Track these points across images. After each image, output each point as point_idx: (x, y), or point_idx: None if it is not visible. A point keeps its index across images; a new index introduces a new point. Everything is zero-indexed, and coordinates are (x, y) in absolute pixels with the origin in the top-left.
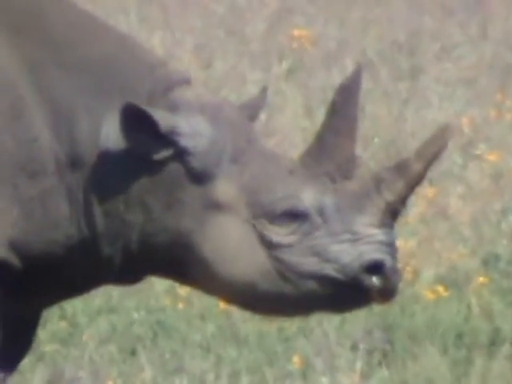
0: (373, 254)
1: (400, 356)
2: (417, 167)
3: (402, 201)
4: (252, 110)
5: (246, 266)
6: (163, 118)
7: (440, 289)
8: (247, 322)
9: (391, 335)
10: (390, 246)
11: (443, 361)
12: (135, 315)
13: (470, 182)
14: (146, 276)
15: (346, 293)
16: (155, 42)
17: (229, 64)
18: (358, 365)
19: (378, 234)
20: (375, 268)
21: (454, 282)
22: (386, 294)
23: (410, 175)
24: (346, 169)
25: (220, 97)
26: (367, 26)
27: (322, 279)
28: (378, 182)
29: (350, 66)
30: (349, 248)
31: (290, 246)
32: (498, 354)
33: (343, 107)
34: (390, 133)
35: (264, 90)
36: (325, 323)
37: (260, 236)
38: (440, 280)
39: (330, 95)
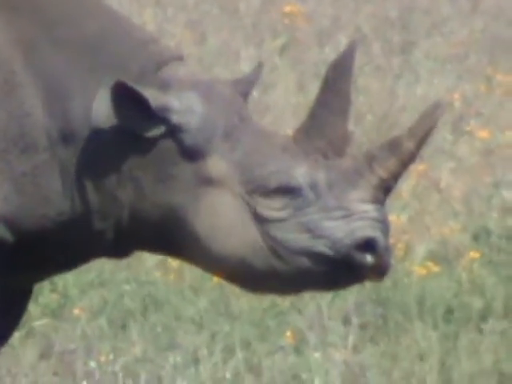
0: (365, 230)
1: (392, 330)
2: (409, 145)
3: (395, 178)
4: (245, 86)
5: (237, 242)
6: (154, 96)
7: (430, 264)
8: (240, 296)
9: (383, 310)
10: (383, 223)
11: (433, 335)
12: (126, 288)
13: (460, 158)
14: (138, 250)
15: (338, 270)
16: (147, 19)
17: (222, 40)
18: (351, 339)
19: (371, 211)
20: (368, 245)
21: (444, 257)
22: (379, 271)
23: (403, 153)
24: (338, 145)
25: (212, 74)
26: (360, 3)
27: (314, 256)
28: (370, 160)
29: (343, 42)
30: (341, 224)
31: (281, 220)
32: (487, 329)
33: (336, 83)
34: (381, 107)
35: (259, 66)
36: (317, 298)
37: (252, 211)
38: (431, 255)
39: (323, 71)
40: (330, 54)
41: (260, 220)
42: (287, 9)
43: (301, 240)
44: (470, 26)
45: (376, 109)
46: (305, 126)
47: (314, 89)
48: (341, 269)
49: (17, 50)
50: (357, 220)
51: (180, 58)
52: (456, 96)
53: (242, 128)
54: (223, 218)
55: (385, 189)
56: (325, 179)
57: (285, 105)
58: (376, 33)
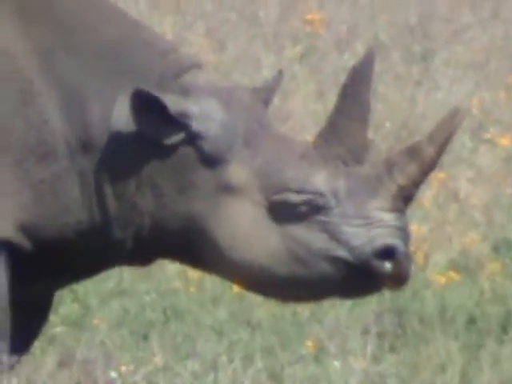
0: (385, 238)
1: (411, 340)
2: (429, 151)
3: (415, 185)
4: (266, 93)
5: (258, 250)
6: (173, 102)
7: (451, 273)
8: (260, 306)
9: (402, 319)
10: (403, 231)
11: (454, 345)
12: (147, 299)
13: (480, 166)
14: (158, 259)
15: (358, 277)
16: (166, 27)
17: (241, 48)
18: (369, 349)
19: (391, 219)
20: (387, 253)
21: (465, 266)
22: (398, 279)
23: (423, 159)
24: (358, 153)
25: (232, 81)
26: (379, 10)
27: (333, 260)
28: (390, 166)
29: (361, 50)
30: (361, 231)
31: (301, 218)
32: (509, 339)
33: (355, 91)
34: (401, 115)
35: (279, 74)
36: (337, 307)
37: (272, 214)
38: (451, 265)
39: (341, 79)
40: (349, 61)
41: (280, 220)
42: (308, 16)
43: (320, 241)
44: (490, 33)
45: (395, 116)
46: (324, 133)
47: (333, 96)
48: (360, 276)
49: (34, 58)
50: (376, 228)
51: (200, 66)
52: (475, 103)
53: (262, 135)
54: (243, 227)
55: (405, 196)
56: (344, 187)
57: (304, 112)
58: (395, 40)
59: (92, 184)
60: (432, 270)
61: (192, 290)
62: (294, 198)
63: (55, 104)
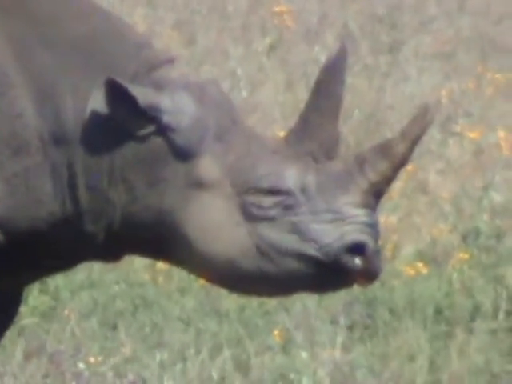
0: (355, 234)
1: (380, 330)
2: (401, 148)
3: (386, 182)
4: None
5: (227, 244)
6: (144, 94)
7: (420, 264)
8: (228, 296)
9: (371, 310)
10: (373, 227)
11: (423, 335)
12: (116, 289)
13: (449, 158)
14: (128, 254)
15: (327, 273)
16: (137, 19)
17: (211, 40)
18: (339, 339)
19: (361, 215)
20: (357, 249)
21: (433, 257)
22: (368, 275)
23: (394, 156)
24: (329, 149)
25: (202, 73)
26: (347, 1)
27: (302, 258)
28: (361, 163)
29: (330, 41)
30: (330, 228)
31: (271, 219)
32: (477, 329)
33: (328, 87)
34: (369, 106)
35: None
36: (305, 298)
37: (242, 212)
38: (420, 255)
39: (311, 70)
40: (318, 53)
41: (250, 219)
42: (276, 9)
43: (289, 241)
44: (457, 24)
45: (363, 107)
46: (296, 129)
47: (301, 88)
48: (329, 272)
49: (8, 51)
50: (346, 224)
51: (172, 61)
52: (444, 94)
53: (234, 131)
54: (213, 220)
55: (376, 193)
56: (315, 182)
57: (273, 103)
58: (363, 31)
59: (65, 177)
60: (401, 261)
61: (160, 280)
62: (265, 200)
63: (29, 98)
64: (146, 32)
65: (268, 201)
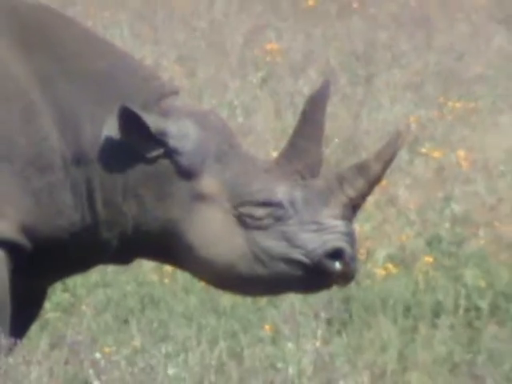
0: (335, 242)
1: (356, 325)
2: (376, 168)
3: (362, 197)
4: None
5: (225, 250)
6: (154, 121)
7: (390, 266)
8: (225, 295)
9: (348, 306)
10: (350, 236)
11: (393, 329)
12: (127, 289)
13: (416, 175)
14: (138, 258)
15: (311, 276)
16: (145, 54)
17: (210, 73)
18: (320, 332)
19: (340, 225)
20: (336, 254)
21: (402, 260)
22: (345, 277)
23: (370, 175)
24: (313, 168)
25: (202, 103)
26: (329, 40)
27: (290, 262)
28: (341, 180)
29: (314, 76)
30: (314, 236)
31: (264, 228)
32: (440, 324)
33: (312, 116)
34: (347, 131)
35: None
36: (291, 296)
37: (239, 222)
38: (390, 259)
39: (297, 100)
40: (303, 85)
41: (245, 228)
42: (267, 46)
43: (280, 246)
44: (424, 59)
45: (342, 132)
46: (285, 152)
47: (289, 115)
48: (313, 274)
49: (35, 82)
50: (328, 233)
51: (177, 92)
52: (412, 121)
53: (231, 153)
54: (213, 230)
55: (353, 206)
56: (302, 197)
57: (264, 128)
58: (342, 66)
59: (84, 192)
60: (374, 264)
61: (166, 281)
62: (258, 211)
63: (53, 123)
64: (153, 65)
65: (261, 212)
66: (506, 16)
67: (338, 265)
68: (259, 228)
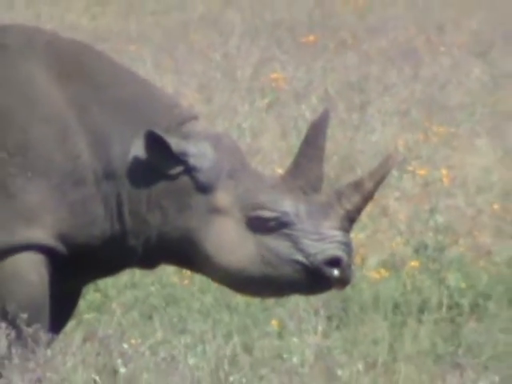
0: (334, 251)
1: (352, 321)
2: (369, 185)
3: (358, 211)
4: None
5: (237, 256)
6: (175, 143)
7: (382, 270)
8: (237, 294)
9: (345, 305)
10: (347, 246)
11: (384, 325)
12: (152, 289)
13: (404, 189)
14: (161, 263)
15: (312, 280)
16: (167, 83)
17: (224, 99)
18: (320, 327)
19: (339, 235)
20: (335, 262)
21: (392, 265)
22: (342, 282)
23: (364, 191)
24: (315, 185)
25: (217, 127)
26: (328, 71)
27: (294, 263)
28: (339, 196)
29: (314, 102)
30: (316, 244)
31: (271, 232)
32: (425, 320)
33: (314, 139)
34: (344, 150)
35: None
36: (296, 295)
37: (249, 228)
38: (382, 264)
39: (300, 123)
40: (305, 110)
41: (255, 233)
42: (273, 76)
43: (285, 247)
44: (411, 88)
45: (340, 151)
46: (290, 170)
47: (293, 137)
48: (314, 279)
49: (70, 108)
50: (327, 242)
51: (196, 118)
52: (401, 142)
53: (242, 171)
54: (227, 239)
55: (350, 219)
56: (305, 210)
57: (271, 148)
58: (340, 94)
59: (113, 204)
60: (367, 268)
61: (185, 282)
62: (266, 214)
63: (86, 143)
64: (174, 93)
65: (269, 218)
66: (483, 51)
67: (336, 272)
68: (267, 231)
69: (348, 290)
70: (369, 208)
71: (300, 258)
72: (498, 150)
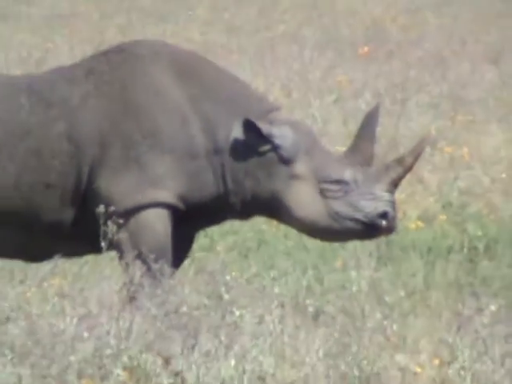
0: (383, 207)
1: (396, 260)
2: (409, 160)
3: (400, 179)
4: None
5: (311, 211)
6: (265, 127)
7: (418, 222)
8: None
9: (391, 248)
10: (393, 203)
11: (420, 262)
12: (248, 235)
13: (435, 163)
14: (254, 216)
15: (368, 229)
16: (259, 83)
17: (300, 96)
18: (372, 264)
19: (386, 196)
20: (384, 215)
21: (426, 218)
22: (389, 230)
23: (405, 164)
24: (368, 160)
25: (298, 118)
26: (378, 75)
27: (354, 220)
28: (387, 168)
29: (368, 97)
30: (370, 203)
31: (337, 198)
32: (451, 259)
33: (368, 126)
34: (390, 135)
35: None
36: (355, 243)
37: (320, 193)
38: (418, 217)
39: (357, 114)
40: (361, 103)
41: (325, 198)
42: (338, 78)
43: (347, 210)
44: (440, 87)
45: (387, 135)
46: (350, 149)
47: (352, 124)
48: (369, 228)
49: (187, 102)
50: (378, 201)
51: (279, 109)
52: (432, 128)
53: (315, 148)
54: (304, 198)
55: (395, 184)
56: (361, 178)
57: (336, 132)
58: (387, 92)
59: (220, 173)
60: (407, 220)
61: (273, 229)
62: (333, 187)
63: (199, 128)
64: (264, 91)
65: (335, 187)
66: (495, 58)
67: (384, 222)
68: (333, 198)
69: (393, 236)
70: (409, 176)
71: (359, 216)
72: (506, 133)
